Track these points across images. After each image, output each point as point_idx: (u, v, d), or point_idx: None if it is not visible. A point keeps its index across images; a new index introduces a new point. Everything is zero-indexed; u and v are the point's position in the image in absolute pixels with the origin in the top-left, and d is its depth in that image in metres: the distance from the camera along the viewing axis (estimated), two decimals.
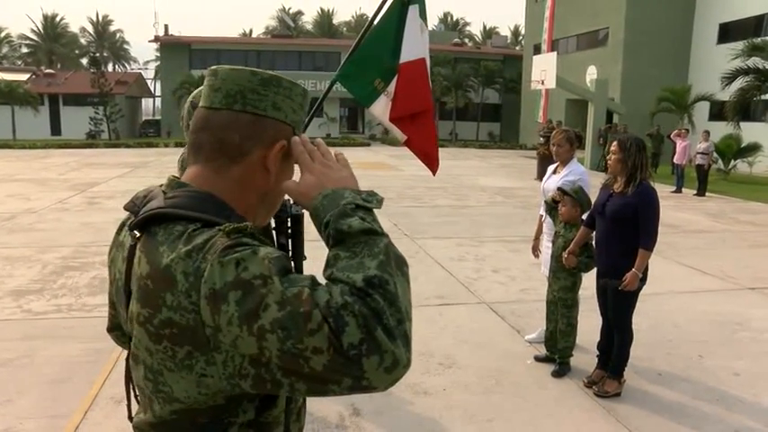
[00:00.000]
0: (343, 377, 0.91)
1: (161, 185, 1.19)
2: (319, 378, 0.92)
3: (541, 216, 5.18)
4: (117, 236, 1.25)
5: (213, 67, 1.18)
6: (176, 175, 1.24)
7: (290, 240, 1.55)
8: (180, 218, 1.06)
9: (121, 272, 1.15)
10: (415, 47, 3.96)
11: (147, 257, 1.04)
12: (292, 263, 1.16)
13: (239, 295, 0.93)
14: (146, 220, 1.08)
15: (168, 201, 1.10)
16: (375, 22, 3.92)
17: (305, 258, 1.53)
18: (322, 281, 1.00)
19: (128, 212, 1.18)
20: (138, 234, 1.10)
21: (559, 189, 4.62)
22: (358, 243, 1.00)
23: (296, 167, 1.21)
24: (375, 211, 1.10)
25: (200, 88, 2.48)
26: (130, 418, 1.24)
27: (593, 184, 4.83)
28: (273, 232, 1.49)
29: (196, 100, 2.39)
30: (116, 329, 1.37)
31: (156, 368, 1.05)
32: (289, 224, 1.54)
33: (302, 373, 0.92)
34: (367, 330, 0.90)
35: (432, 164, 4.27)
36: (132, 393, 1.24)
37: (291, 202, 1.46)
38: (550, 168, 5.22)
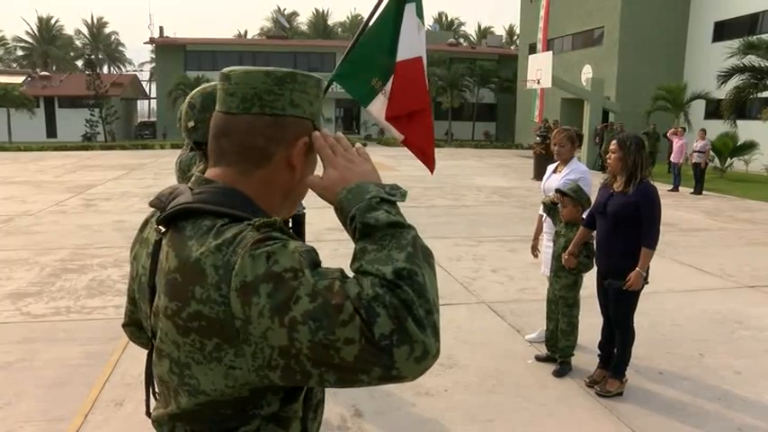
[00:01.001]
0: (374, 367, 0.92)
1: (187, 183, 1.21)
2: (349, 368, 0.93)
3: (541, 216, 5.17)
4: (140, 233, 1.27)
5: (225, 71, 1.18)
6: (176, 177, 1.25)
7: None
8: (208, 213, 1.08)
9: (145, 267, 1.16)
10: (411, 45, 3.93)
11: (175, 251, 1.06)
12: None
13: (270, 288, 0.94)
14: (173, 216, 1.10)
15: (196, 196, 1.11)
16: (371, 21, 3.90)
17: None
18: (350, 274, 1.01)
19: (152, 209, 1.20)
20: (163, 229, 1.11)
21: (558, 190, 4.61)
22: (385, 236, 1.02)
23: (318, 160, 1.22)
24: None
25: (197, 89, 2.48)
26: (149, 414, 1.25)
27: (592, 184, 4.83)
28: None
29: (193, 101, 2.38)
30: (132, 325, 1.39)
31: (184, 361, 1.06)
32: (290, 224, 1.54)
33: (332, 363, 0.93)
34: (398, 321, 0.92)
35: (429, 162, 4.25)
36: (151, 390, 1.25)
37: None
38: (550, 167, 5.19)
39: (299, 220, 1.50)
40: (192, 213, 1.08)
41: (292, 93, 1.14)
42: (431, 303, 0.97)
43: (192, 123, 2.34)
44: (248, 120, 1.13)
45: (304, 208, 1.49)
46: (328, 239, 8.04)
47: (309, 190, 1.21)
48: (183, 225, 1.08)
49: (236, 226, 1.03)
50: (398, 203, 1.10)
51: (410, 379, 0.95)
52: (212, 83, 2.38)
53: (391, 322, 0.91)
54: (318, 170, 1.21)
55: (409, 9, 3.93)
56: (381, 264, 0.97)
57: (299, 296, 0.93)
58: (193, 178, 1.20)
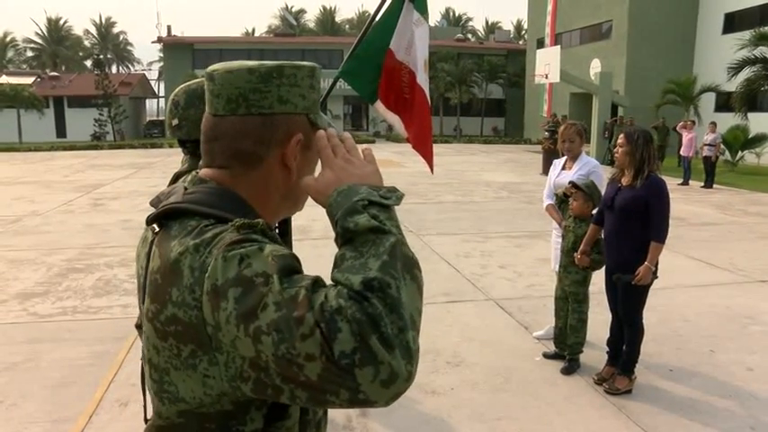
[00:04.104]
0: (339, 388, 0.84)
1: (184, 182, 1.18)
2: (316, 387, 0.85)
3: (553, 205, 5.12)
4: (145, 232, 1.23)
5: (209, 70, 1.12)
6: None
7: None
8: (196, 213, 1.04)
9: (143, 267, 1.12)
10: (400, 39, 3.90)
11: (159, 252, 1.02)
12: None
13: (239, 293, 0.88)
14: (163, 215, 1.06)
15: (186, 196, 1.07)
16: (377, 18, 3.87)
17: None
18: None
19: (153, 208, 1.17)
20: (157, 229, 1.08)
21: (572, 183, 4.55)
22: (365, 242, 0.93)
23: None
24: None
25: (180, 86, 2.43)
26: (146, 420, 1.21)
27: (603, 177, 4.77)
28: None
29: (177, 98, 2.34)
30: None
31: (163, 366, 1.01)
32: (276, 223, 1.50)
33: (299, 380, 0.86)
34: (361, 338, 0.82)
35: (429, 161, 4.21)
36: (150, 394, 1.21)
37: None
38: (558, 163, 5.12)
39: (285, 220, 1.45)
40: (181, 213, 1.04)
41: (279, 89, 1.08)
42: (405, 320, 0.86)
43: (176, 121, 2.30)
44: (235, 121, 1.08)
45: None
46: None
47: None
48: (171, 225, 1.04)
49: (219, 227, 0.99)
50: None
51: (382, 404, 0.86)
52: (196, 80, 2.33)
53: (353, 339, 0.82)
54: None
55: (408, 5, 3.89)
56: (352, 273, 0.89)
57: (266, 303, 0.86)
58: (189, 177, 1.15)
